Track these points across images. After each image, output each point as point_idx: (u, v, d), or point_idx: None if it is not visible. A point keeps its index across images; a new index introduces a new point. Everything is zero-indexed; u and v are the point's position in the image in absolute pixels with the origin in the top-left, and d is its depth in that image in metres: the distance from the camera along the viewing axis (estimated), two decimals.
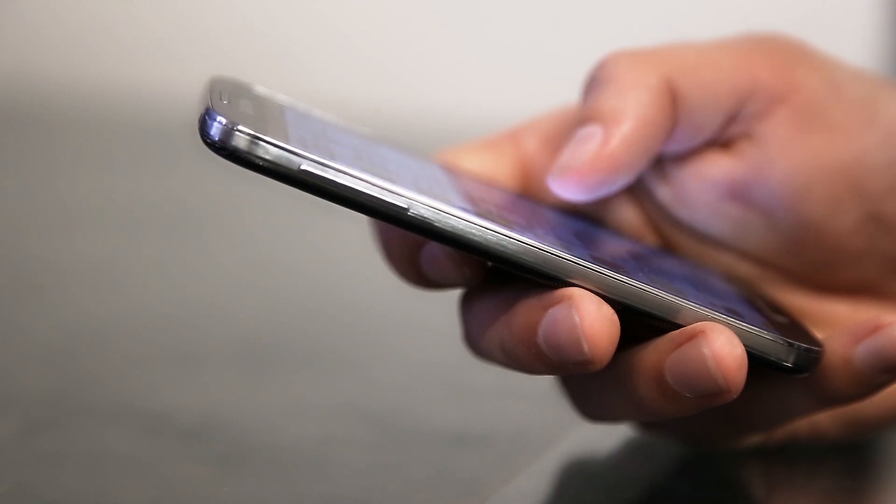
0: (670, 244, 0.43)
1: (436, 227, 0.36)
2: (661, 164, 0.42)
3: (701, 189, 0.42)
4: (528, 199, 0.43)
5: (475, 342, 0.40)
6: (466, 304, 0.40)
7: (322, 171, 0.35)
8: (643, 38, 0.43)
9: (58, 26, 1.30)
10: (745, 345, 0.36)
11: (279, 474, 0.41)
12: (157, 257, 0.70)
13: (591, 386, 0.39)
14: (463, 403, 0.49)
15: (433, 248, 0.38)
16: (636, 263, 0.39)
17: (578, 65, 0.46)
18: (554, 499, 0.42)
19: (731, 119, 0.42)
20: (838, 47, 0.44)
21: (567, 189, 0.40)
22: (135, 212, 0.81)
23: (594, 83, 0.41)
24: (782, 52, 0.43)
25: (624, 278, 0.36)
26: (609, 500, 0.41)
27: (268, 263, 0.70)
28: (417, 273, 0.39)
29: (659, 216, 0.43)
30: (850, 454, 0.44)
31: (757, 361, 0.37)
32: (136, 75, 1.24)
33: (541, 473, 0.43)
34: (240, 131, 0.35)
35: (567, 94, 0.47)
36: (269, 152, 0.35)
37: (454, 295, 0.41)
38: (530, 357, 0.37)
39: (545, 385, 0.43)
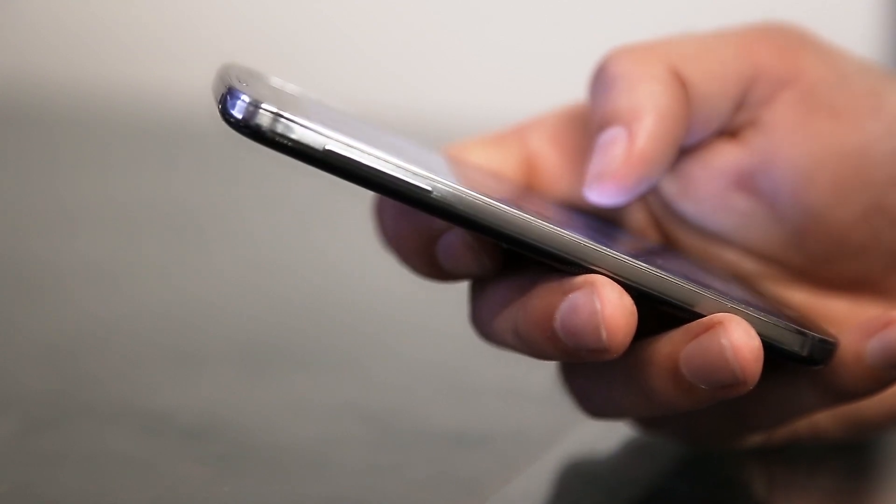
0: (672, 241, 0.43)
1: (459, 209, 0.35)
2: None
3: (708, 180, 0.42)
4: (534, 192, 0.42)
5: (484, 324, 0.39)
6: (478, 285, 0.40)
7: (347, 151, 0.34)
8: (643, 38, 0.43)
9: (58, 26, 1.29)
10: (762, 335, 0.36)
11: (279, 474, 0.41)
12: (157, 257, 0.70)
13: (597, 379, 0.39)
14: (463, 403, 0.49)
15: (450, 238, 0.38)
16: (648, 254, 0.39)
17: (578, 64, 0.46)
18: (554, 499, 0.42)
19: (739, 106, 0.42)
20: (838, 45, 0.44)
21: (606, 195, 0.40)
22: (135, 212, 0.81)
23: (601, 84, 0.41)
24: (785, 37, 0.42)
25: (647, 266, 0.36)
26: (609, 500, 0.41)
27: (268, 263, 0.70)
28: (432, 265, 0.39)
29: (662, 212, 0.43)
30: (850, 454, 0.44)
31: (773, 352, 0.37)
32: (136, 75, 1.24)
33: (541, 473, 0.43)
34: (264, 109, 0.34)
35: (567, 93, 0.47)
36: (293, 131, 0.34)
37: (454, 295, 0.41)
38: (544, 341, 0.36)
39: (546, 385, 0.43)
